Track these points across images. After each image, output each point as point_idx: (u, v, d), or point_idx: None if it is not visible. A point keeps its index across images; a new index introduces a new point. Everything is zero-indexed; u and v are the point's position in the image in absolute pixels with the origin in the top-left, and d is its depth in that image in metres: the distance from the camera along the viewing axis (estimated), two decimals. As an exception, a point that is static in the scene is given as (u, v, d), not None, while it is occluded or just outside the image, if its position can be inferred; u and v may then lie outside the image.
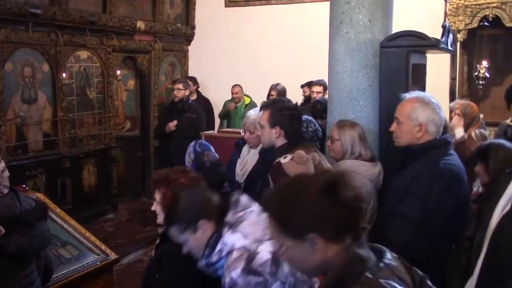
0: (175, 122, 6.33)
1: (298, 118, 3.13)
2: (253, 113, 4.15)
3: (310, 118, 3.70)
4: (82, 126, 6.63)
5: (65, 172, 6.26)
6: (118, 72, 7.11)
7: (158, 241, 2.49)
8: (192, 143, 3.93)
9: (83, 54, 6.64)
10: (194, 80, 7.62)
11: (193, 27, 8.59)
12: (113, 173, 7.06)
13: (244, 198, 2.10)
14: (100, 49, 6.84)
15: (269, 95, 6.68)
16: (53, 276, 2.69)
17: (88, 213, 6.30)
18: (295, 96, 5.94)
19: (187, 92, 6.50)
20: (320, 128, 3.86)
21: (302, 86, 6.91)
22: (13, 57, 5.71)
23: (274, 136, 3.03)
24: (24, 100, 5.88)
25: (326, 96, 4.78)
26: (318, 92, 5.94)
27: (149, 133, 7.83)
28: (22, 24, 5.72)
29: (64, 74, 6.20)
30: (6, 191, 2.28)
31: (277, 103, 3.20)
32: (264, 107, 3.17)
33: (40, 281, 2.39)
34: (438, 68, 5.33)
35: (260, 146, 4.04)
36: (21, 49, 5.79)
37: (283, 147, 2.89)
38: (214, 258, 1.97)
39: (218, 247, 1.96)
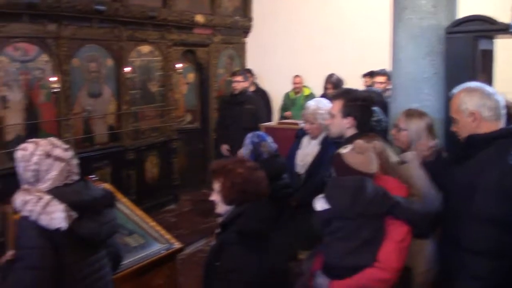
0: (226, 147, 6.34)
1: (369, 109, 3.09)
2: (313, 104, 4.12)
3: (374, 108, 3.62)
4: (144, 119, 6.81)
5: (129, 164, 6.47)
6: (179, 65, 7.24)
7: (218, 230, 2.51)
8: (249, 135, 3.95)
9: (145, 48, 6.80)
10: (250, 72, 7.65)
11: (250, 19, 8.62)
12: (175, 165, 7.22)
13: None
14: (161, 43, 6.99)
15: (325, 87, 6.60)
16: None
17: (150, 204, 6.47)
18: (355, 87, 5.83)
19: (246, 84, 6.53)
20: (384, 118, 3.78)
21: (364, 76, 6.77)
22: (79, 53, 5.93)
23: (345, 126, 3.02)
24: (90, 95, 6.10)
25: (389, 86, 4.67)
26: (380, 83, 5.81)
27: (209, 126, 7.94)
28: (87, 21, 5.92)
29: (127, 69, 6.38)
30: (76, 177, 2.38)
31: (350, 93, 3.17)
32: (336, 96, 3.14)
33: (111, 268, 2.47)
34: (508, 55, 5.05)
35: (321, 136, 4.00)
36: (86, 45, 6.00)
37: (354, 137, 2.85)
38: None
39: None
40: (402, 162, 2.83)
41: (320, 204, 2.50)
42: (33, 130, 5.41)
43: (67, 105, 5.77)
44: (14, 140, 5.28)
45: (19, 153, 2.38)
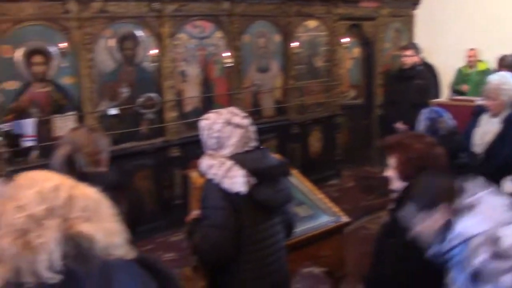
0: (400, 124, 5.83)
1: None
2: (496, 79, 3.79)
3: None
4: (309, 93, 6.87)
5: (294, 138, 6.61)
6: (345, 40, 7.13)
7: (392, 206, 2.42)
8: (425, 110, 3.75)
9: (311, 23, 6.82)
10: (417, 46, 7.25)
11: (420, -10, 8.14)
12: (338, 140, 7.21)
13: (472, 183, 1.90)
14: (327, 18, 6.94)
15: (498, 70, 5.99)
16: (291, 232, 2.86)
17: (313, 178, 6.50)
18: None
19: (416, 59, 6.21)
20: None
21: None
22: (250, 29, 6.15)
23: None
24: (258, 70, 6.32)
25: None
26: None
27: (373, 102, 7.74)
28: (257, -3, 6.11)
29: (294, 44, 6.47)
30: (254, 144, 2.49)
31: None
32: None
33: (283, 235, 2.56)
34: None
35: (504, 114, 3.68)
36: (256, 22, 6.20)
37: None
38: (446, 246, 1.83)
39: (452, 235, 1.82)
40: None
41: (510, 186, 2.29)
42: (208, 103, 5.79)
43: (238, 79, 6.06)
44: (191, 112, 5.72)
45: (203, 122, 2.54)
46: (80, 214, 1.22)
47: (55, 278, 1.15)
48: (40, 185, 1.23)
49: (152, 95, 5.45)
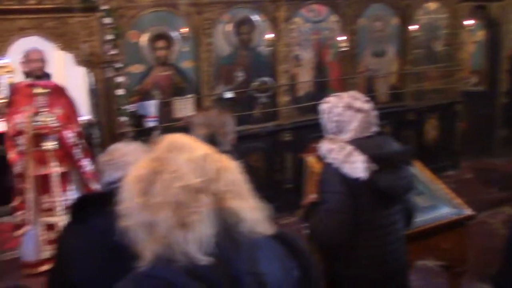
0: None
1: None
2: None
3: None
4: (427, 79, 6.54)
5: (409, 125, 6.36)
6: (469, 22, 6.68)
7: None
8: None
9: (432, 5, 6.47)
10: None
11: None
12: (456, 129, 6.81)
13: None
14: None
15: None
16: (409, 222, 2.75)
17: (428, 168, 6.24)
18: None
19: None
20: None
21: None
22: (366, 12, 5.98)
23: None
24: (374, 54, 6.14)
25: None
26: None
27: (497, 88, 7.20)
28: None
29: (413, 27, 6.19)
30: (375, 129, 2.42)
31: None
32: None
33: (403, 224, 2.47)
34: None
35: None
36: (373, 4, 6.01)
37: None
38: None
39: None
40: None
41: None
42: (320, 87, 5.74)
43: (352, 64, 5.93)
44: (304, 96, 5.71)
45: (323, 106, 2.52)
46: (228, 188, 1.16)
47: (205, 260, 1.09)
48: (190, 152, 1.17)
49: (266, 79, 5.50)
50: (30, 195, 4.32)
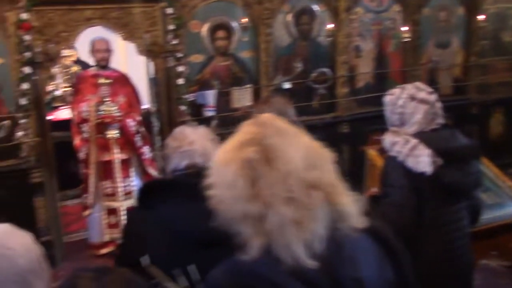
0: None
1: None
2: None
3: None
4: (493, 72, 6.27)
5: (472, 119, 6.12)
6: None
7: None
8: None
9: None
10: None
11: None
12: (524, 124, 6.50)
13: None
14: (521, -13, 6.24)
15: None
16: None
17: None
18: None
19: None
20: None
21: None
22: (431, 2, 5.79)
23: None
24: (437, 45, 5.95)
25: None
26: None
27: None
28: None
29: (480, 17, 5.94)
30: (441, 121, 2.35)
31: None
32: None
33: (469, 221, 2.38)
34: None
35: None
36: (439, -6, 5.82)
37: None
38: None
39: None
40: None
41: None
42: (381, 79, 5.61)
43: (414, 55, 5.76)
44: (363, 88, 5.60)
45: (387, 98, 2.46)
46: (332, 181, 1.08)
47: (312, 263, 1.01)
48: (297, 139, 1.08)
49: (325, 70, 5.44)
50: (92, 180, 4.48)
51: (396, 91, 2.45)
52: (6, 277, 1.13)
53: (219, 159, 1.09)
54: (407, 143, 2.24)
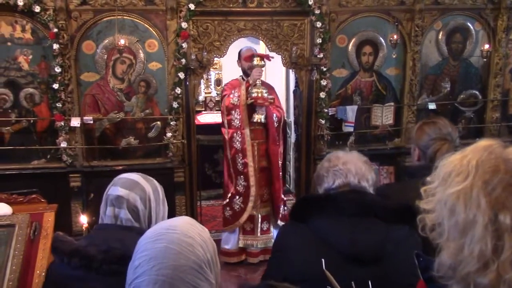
0: None
1: None
2: None
3: None
4: None
5: None
6: None
7: None
8: None
9: None
10: None
11: None
12: None
13: None
14: None
15: None
16: None
17: None
18: None
19: None
20: None
21: None
22: None
23: None
24: None
25: None
26: None
27: None
28: None
29: None
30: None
31: None
32: None
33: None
34: None
35: None
36: None
37: None
38: None
39: None
40: None
41: None
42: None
43: None
44: (516, 114, 5.18)
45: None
46: None
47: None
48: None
49: (475, 92, 5.12)
50: (253, 184, 4.62)
51: None
52: (187, 261, 1.21)
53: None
54: None
